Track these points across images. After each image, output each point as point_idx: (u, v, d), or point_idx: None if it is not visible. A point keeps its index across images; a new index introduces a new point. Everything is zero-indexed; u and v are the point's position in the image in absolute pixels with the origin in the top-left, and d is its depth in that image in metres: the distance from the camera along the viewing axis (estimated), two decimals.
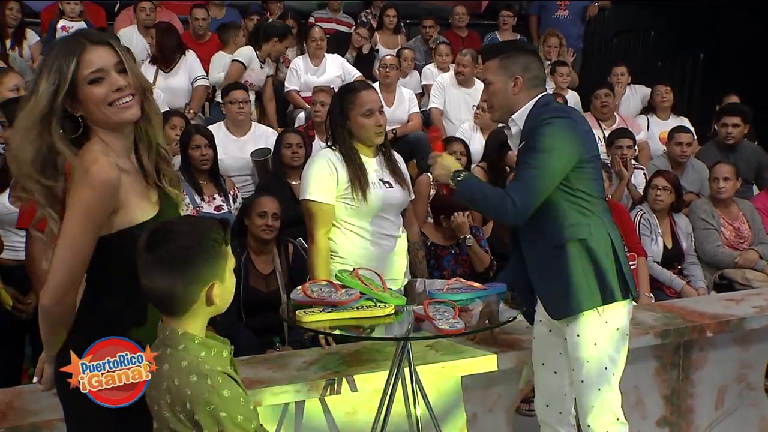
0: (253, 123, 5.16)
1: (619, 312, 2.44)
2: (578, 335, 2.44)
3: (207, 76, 5.90)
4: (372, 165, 2.91)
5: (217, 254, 1.65)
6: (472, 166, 5.02)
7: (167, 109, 5.14)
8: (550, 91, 6.04)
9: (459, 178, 2.49)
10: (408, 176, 3.11)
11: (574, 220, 2.42)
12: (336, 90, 5.53)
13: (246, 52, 5.70)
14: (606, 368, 2.43)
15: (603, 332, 2.42)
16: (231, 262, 1.71)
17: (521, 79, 2.49)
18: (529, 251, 2.54)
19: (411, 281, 2.93)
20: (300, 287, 2.53)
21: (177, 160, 4.68)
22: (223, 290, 1.68)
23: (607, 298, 2.41)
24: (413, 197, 3.08)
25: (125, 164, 1.84)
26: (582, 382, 2.47)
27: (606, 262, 2.42)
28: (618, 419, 2.47)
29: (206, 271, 1.63)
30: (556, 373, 2.63)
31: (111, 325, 1.77)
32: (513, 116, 2.53)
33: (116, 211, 1.78)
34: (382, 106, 2.90)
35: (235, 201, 4.38)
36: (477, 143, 5.36)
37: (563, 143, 2.38)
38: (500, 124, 2.70)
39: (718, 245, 4.59)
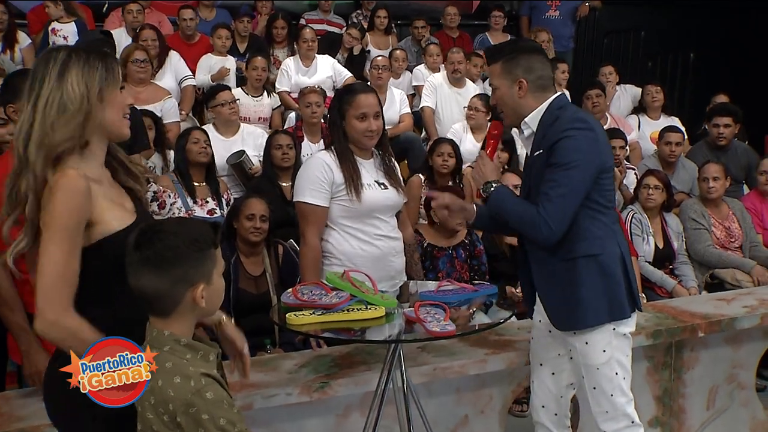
0: (241, 124, 5.15)
1: (627, 319, 2.44)
2: (587, 343, 2.42)
3: (194, 76, 5.88)
4: (367, 166, 2.92)
5: (204, 256, 1.65)
6: (464, 166, 5.02)
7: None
8: None
9: (491, 189, 2.45)
10: (401, 179, 3.11)
11: (587, 233, 2.38)
12: (325, 91, 5.61)
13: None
14: (617, 374, 2.43)
15: (612, 339, 2.41)
16: (220, 266, 1.71)
17: (525, 82, 2.43)
18: (538, 260, 2.49)
19: (406, 283, 2.93)
20: (290, 290, 2.52)
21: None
22: (211, 292, 1.68)
23: (616, 315, 2.39)
24: (407, 200, 3.08)
25: (100, 174, 1.84)
26: (594, 389, 2.45)
27: (617, 277, 2.39)
28: (633, 422, 2.47)
29: (192, 272, 1.64)
30: (553, 374, 2.62)
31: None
32: (526, 119, 2.47)
33: (92, 224, 1.76)
34: (379, 112, 2.89)
35: (228, 205, 4.36)
36: (468, 144, 5.36)
37: (588, 156, 2.32)
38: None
39: (709, 245, 4.60)
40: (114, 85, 1.82)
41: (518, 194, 2.58)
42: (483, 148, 2.65)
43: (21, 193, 1.76)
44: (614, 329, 2.41)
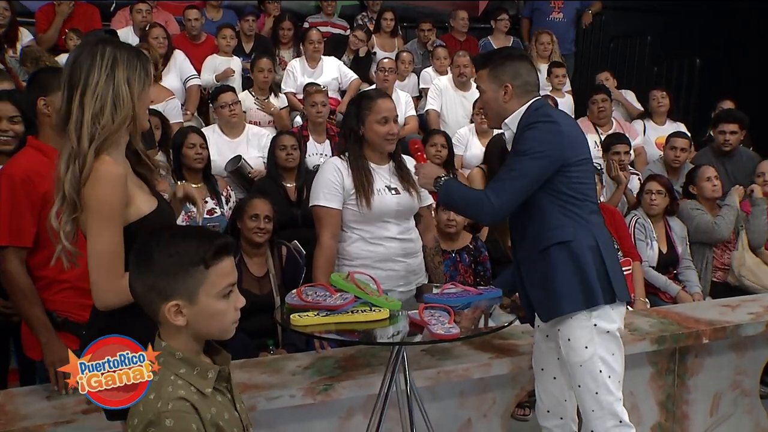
0: (246, 125, 5.14)
1: (608, 315, 2.44)
2: (569, 339, 2.45)
3: (199, 76, 5.89)
4: (380, 172, 2.96)
5: (185, 273, 1.57)
6: (466, 172, 5.02)
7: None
8: (547, 92, 6.13)
9: (440, 183, 2.56)
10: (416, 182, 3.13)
11: (557, 222, 2.44)
12: (329, 92, 5.62)
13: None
14: (600, 371, 2.42)
15: (592, 335, 2.42)
16: (212, 287, 1.59)
17: (511, 87, 2.52)
18: (520, 254, 2.58)
19: (424, 286, 2.93)
20: (294, 291, 2.53)
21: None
22: (196, 312, 1.58)
23: (590, 302, 2.41)
24: (425, 203, 3.10)
25: (125, 162, 1.98)
26: (579, 386, 2.47)
27: (590, 265, 2.42)
28: (621, 422, 2.47)
29: (164, 285, 1.57)
30: (555, 378, 2.63)
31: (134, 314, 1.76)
32: (506, 121, 2.56)
33: (126, 206, 1.91)
34: (397, 117, 2.96)
35: (228, 201, 4.36)
36: (475, 148, 5.35)
37: (544, 146, 2.40)
38: (497, 131, 2.72)
39: (717, 217, 4.57)
40: (148, 84, 1.96)
41: None
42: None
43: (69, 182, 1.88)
44: (595, 325, 2.41)
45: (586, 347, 2.42)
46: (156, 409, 1.50)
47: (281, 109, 5.83)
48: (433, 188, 2.59)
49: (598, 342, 2.42)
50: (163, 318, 1.59)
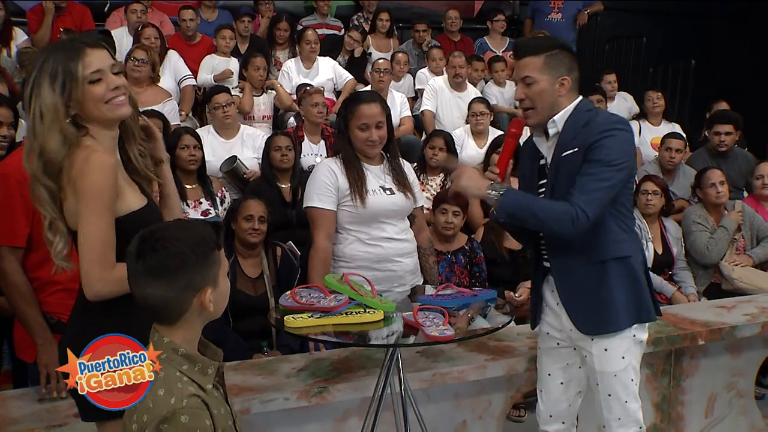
0: (241, 125, 5.13)
1: (643, 325, 2.44)
2: (606, 349, 2.40)
3: (194, 76, 5.87)
4: (374, 172, 2.96)
5: (209, 260, 1.59)
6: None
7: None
8: None
9: (503, 190, 2.31)
10: (416, 183, 3.12)
11: (617, 236, 2.37)
12: (325, 92, 5.62)
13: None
14: (632, 380, 2.42)
15: (630, 345, 2.41)
16: (224, 267, 1.66)
17: (569, 80, 2.38)
18: (562, 265, 2.44)
19: (418, 287, 2.93)
20: (289, 292, 2.51)
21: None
22: (218, 295, 1.62)
23: (643, 317, 2.40)
24: (419, 204, 3.09)
25: (116, 156, 1.97)
26: (609, 396, 2.43)
27: (643, 280, 2.41)
28: (641, 428, 2.47)
29: (199, 278, 1.57)
30: (562, 383, 2.60)
31: (118, 313, 1.77)
32: (554, 118, 2.39)
33: (116, 198, 1.88)
34: (381, 122, 2.92)
35: (222, 203, 4.34)
36: (471, 149, 5.35)
37: (627, 157, 2.32)
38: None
39: (710, 239, 4.56)
40: (75, 84, 1.86)
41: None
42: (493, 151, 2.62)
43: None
44: (634, 336, 2.40)
45: (623, 357, 2.40)
46: (170, 405, 1.49)
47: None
48: (490, 196, 2.32)
49: (633, 351, 2.42)
50: (190, 313, 1.58)
